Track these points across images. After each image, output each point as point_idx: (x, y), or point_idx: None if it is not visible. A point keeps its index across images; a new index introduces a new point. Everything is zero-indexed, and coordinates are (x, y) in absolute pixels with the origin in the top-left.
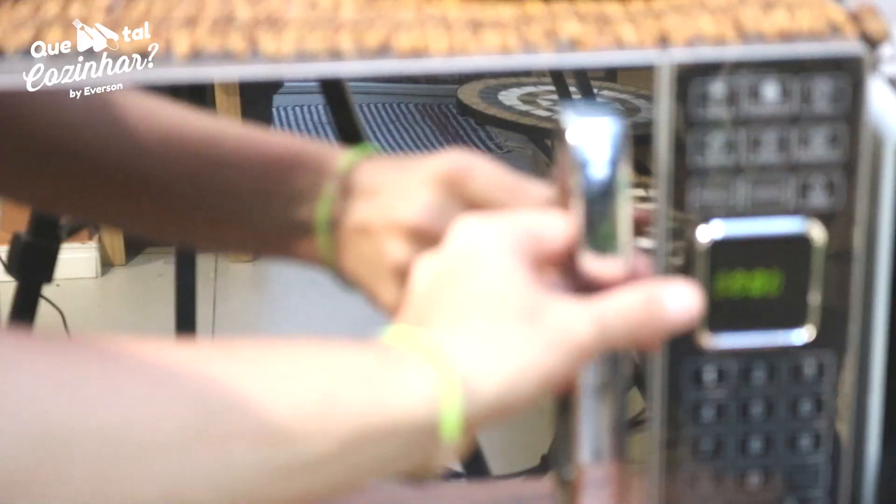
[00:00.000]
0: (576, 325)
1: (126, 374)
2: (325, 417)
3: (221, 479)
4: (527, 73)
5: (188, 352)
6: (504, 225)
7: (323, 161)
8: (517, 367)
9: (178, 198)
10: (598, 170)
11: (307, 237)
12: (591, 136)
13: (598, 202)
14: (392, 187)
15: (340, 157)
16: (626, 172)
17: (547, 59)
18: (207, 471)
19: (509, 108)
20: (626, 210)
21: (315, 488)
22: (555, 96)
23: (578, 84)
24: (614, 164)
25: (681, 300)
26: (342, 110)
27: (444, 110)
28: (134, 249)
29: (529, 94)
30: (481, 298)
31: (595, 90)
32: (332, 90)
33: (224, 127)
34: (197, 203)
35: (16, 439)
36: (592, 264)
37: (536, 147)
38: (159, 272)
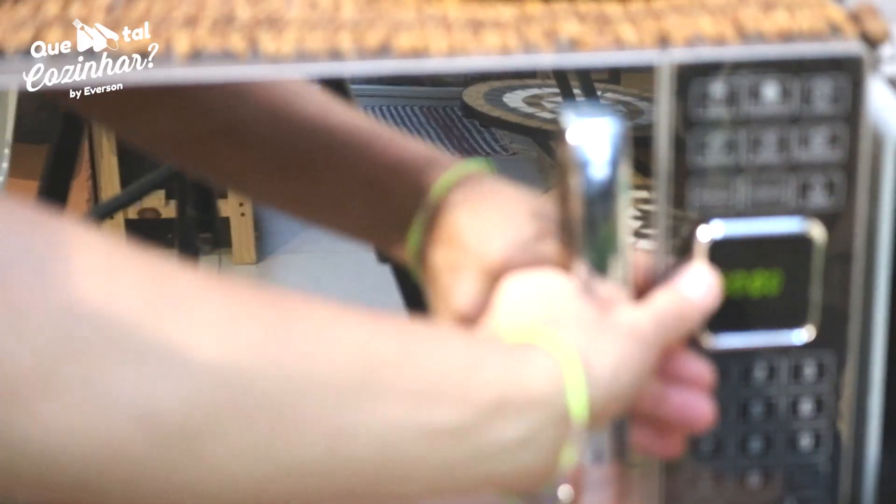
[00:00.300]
0: (640, 321)
1: (299, 322)
2: (466, 384)
3: (376, 436)
4: (531, 76)
5: (342, 310)
6: None
7: (424, 178)
8: (615, 354)
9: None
10: (598, 170)
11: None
12: (592, 136)
13: (598, 203)
14: (478, 227)
15: (440, 177)
16: (626, 173)
17: (547, 59)
18: (366, 427)
19: (514, 111)
20: (626, 211)
21: (455, 460)
22: (559, 98)
23: (582, 86)
24: (614, 164)
25: (702, 285)
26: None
27: (449, 113)
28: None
29: (534, 96)
30: (565, 306)
31: (598, 92)
32: (335, 91)
33: (364, 124)
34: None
35: (197, 378)
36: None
37: (541, 149)
38: None
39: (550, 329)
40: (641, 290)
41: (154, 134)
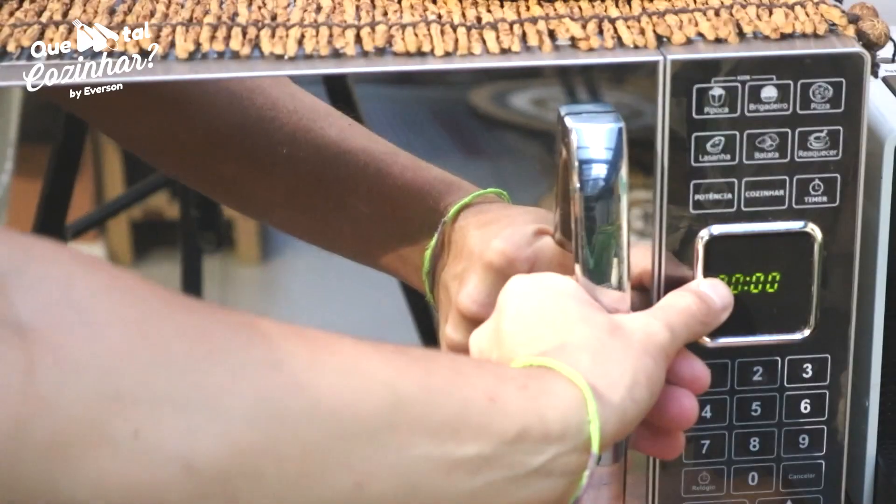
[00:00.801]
0: (653, 329)
1: (327, 356)
2: (488, 417)
3: (402, 471)
4: (536, 76)
5: (366, 346)
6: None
7: (441, 202)
8: (628, 375)
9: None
10: (599, 170)
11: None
12: (592, 137)
13: (598, 202)
14: (483, 235)
15: (456, 202)
16: (626, 174)
17: (547, 59)
18: (391, 463)
19: (520, 112)
20: (626, 212)
21: (477, 490)
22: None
23: (587, 87)
24: (614, 164)
25: (723, 295)
26: (347, 112)
27: (455, 113)
28: (140, 251)
29: (540, 97)
30: (574, 324)
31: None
32: (337, 92)
33: (377, 147)
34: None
35: (237, 423)
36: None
37: (547, 151)
38: (166, 274)
39: (563, 356)
40: (642, 288)
41: (155, 141)
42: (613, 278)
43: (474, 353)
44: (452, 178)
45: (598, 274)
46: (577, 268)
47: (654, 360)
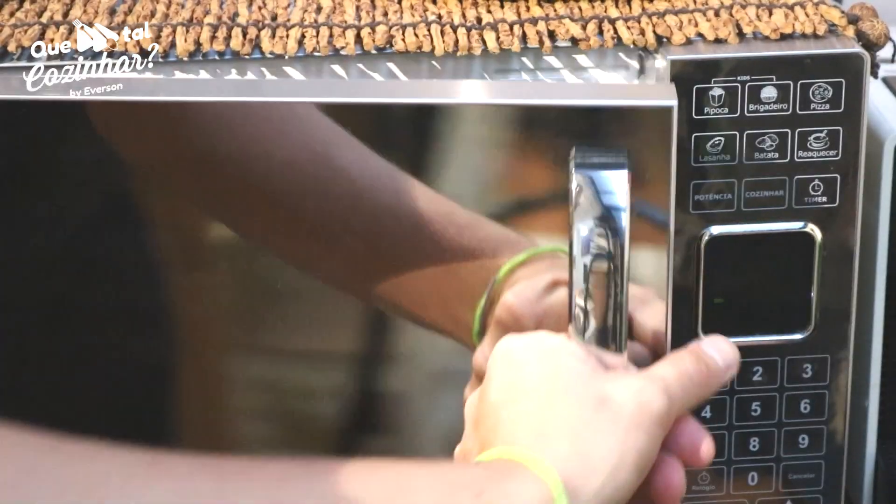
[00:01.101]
0: (646, 397)
1: (300, 482)
2: None
3: None
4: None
5: (334, 464)
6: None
7: (495, 261)
8: (612, 457)
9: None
10: (603, 208)
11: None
12: (593, 191)
13: (594, 261)
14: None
15: (509, 259)
16: (629, 213)
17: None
18: None
19: None
20: (628, 264)
21: None
22: None
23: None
24: (614, 221)
25: (725, 352)
26: None
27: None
28: None
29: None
30: (559, 398)
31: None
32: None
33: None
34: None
35: None
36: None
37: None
38: None
39: (540, 442)
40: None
41: (158, 154)
42: (610, 338)
43: (467, 420)
44: (510, 235)
45: (595, 333)
46: (571, 326)
47: (646, 433)
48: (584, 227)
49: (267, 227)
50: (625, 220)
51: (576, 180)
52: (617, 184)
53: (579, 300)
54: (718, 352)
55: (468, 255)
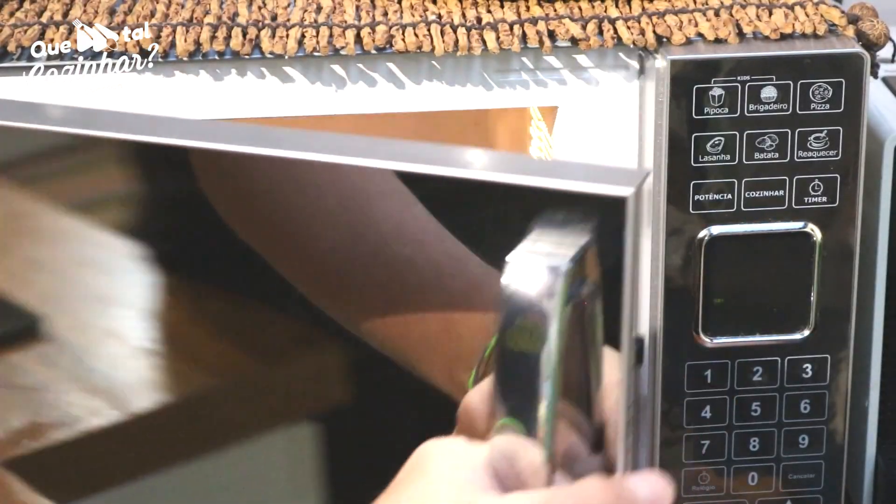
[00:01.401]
0: None
1: None
2: None
3: None
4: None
5: None
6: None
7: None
8: None
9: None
10: (529, 324)
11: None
12: (528, 288)
13: (524, 359)
14: None
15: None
16: (562, 326)
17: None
18: None
19: None
20: (558, 367)
21: None
22: None
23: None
24: (547, 319)
25: (654, 490)
26: None
27: None
28: None
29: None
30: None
31: None
32: None
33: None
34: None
35: None
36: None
37: None
38: None
39: None
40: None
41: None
42: (537, 443)
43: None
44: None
45: (520, 437)
46: (495, 431)
47: None
48: (515, 315)
49: (293, 270)
50: (554, 311)
51: (509, 256)
52: (545, 289)
53: (493, 394)
54: (652, 489)
55: (470, 314)
